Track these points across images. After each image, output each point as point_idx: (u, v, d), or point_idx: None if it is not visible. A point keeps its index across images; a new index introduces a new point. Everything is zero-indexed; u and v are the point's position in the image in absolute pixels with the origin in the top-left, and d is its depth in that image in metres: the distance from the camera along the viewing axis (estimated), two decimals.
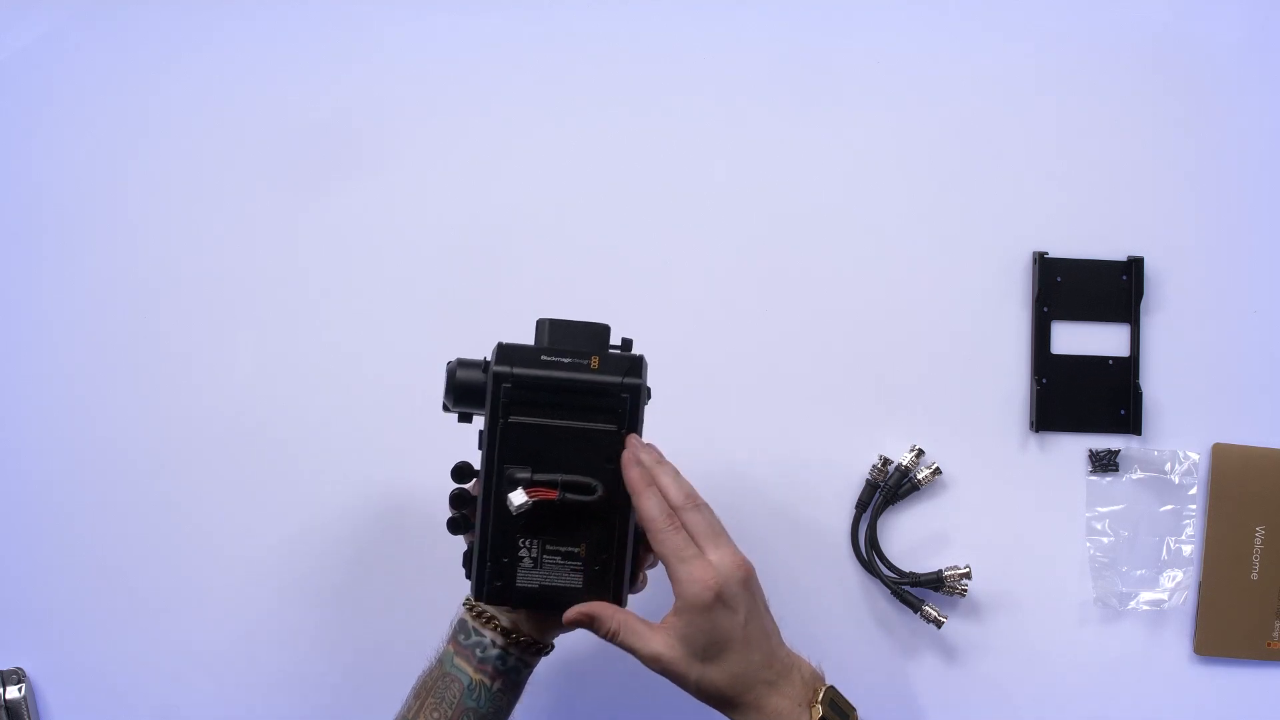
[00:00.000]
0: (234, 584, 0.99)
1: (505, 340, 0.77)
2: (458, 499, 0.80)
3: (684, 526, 0.73)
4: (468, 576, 0.78)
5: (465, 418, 0.80)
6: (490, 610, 0.81)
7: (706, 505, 0.76)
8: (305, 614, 0.99)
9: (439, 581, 0.97)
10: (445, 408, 0.80)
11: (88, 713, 0.99)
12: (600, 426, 0.76)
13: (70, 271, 1.01)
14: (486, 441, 0.76)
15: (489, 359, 0.76)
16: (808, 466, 0.98)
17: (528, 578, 0.76)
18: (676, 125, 1.01)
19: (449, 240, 1.01)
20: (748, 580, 0.73)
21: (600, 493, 0.75)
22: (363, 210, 1.01)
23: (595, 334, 0.78)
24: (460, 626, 0.82)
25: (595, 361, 0.76)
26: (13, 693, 0.97)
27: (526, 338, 0.80)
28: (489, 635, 0.80)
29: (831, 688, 0.74)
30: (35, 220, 1.02)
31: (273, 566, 0.99)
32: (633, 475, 0.75)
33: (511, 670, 0.81)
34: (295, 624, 0.99)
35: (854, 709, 0.75)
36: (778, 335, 1.00)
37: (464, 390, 0.77)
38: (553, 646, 0.83)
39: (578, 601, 0.76)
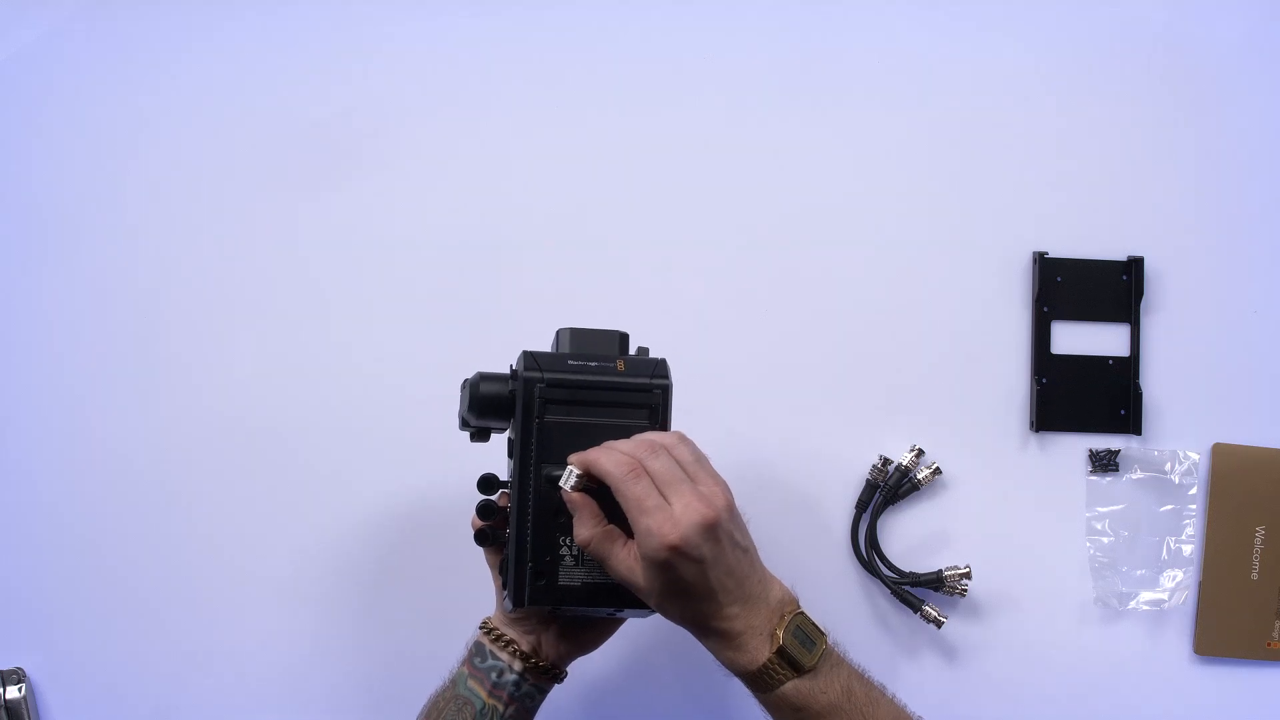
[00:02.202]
0: (234, 584, 0.99)
1: (527, 349, 0.77)
2: (485, 510, 0.79)
3: (647, 474, 0.69)
4: (505, 586, 0.77)
5: (482, 435, 0.80)
6: (509, 634, 0.80)
7: (679, 442, 0.72)
8: (305, 615, 0.99)
9: (437, 582, 0.97)
10: (464, 424, 0.80)
11: (88, 713, 0.99)
12: (635, 423, 0.76)
13: (71, 272, 1.01)
14: (520, 444, 0.76)
15: (515, 367, 0.77)
16: (808, 466, 0.98)
17: (570, 575, 0.75)
18: (677, 127, 1.01)
19: (452, 242, 1.01)
20: (712, 527, 0.68)
21: None
22: (367, 212, 1.01)
23: (614, 340, 0.80)
24: (476, 649, 0.81)
25: (621, 365, 0.77)
26: (13, 693, 0.97)
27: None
28: (505, 659, 0.80)
29: (800, 614, 0.71)
30: (35, 221, 1.02)
31: (272, 567, 0.99)
32: (577, 456, 0.72)
33: (525, 696, 0.80)
34: (295, 625, 0.99)
35: (824, 634, 0.72)
36: (778, 335, 1.00)
37: (488, 404, 0.77)
38: (566, 674, 0.82)
39: (620, 596, 0.74)
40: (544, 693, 0.82)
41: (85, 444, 1.00)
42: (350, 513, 0.99)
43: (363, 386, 1.00)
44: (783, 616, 0.71)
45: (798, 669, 0.70)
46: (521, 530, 0.75)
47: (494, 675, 0.79)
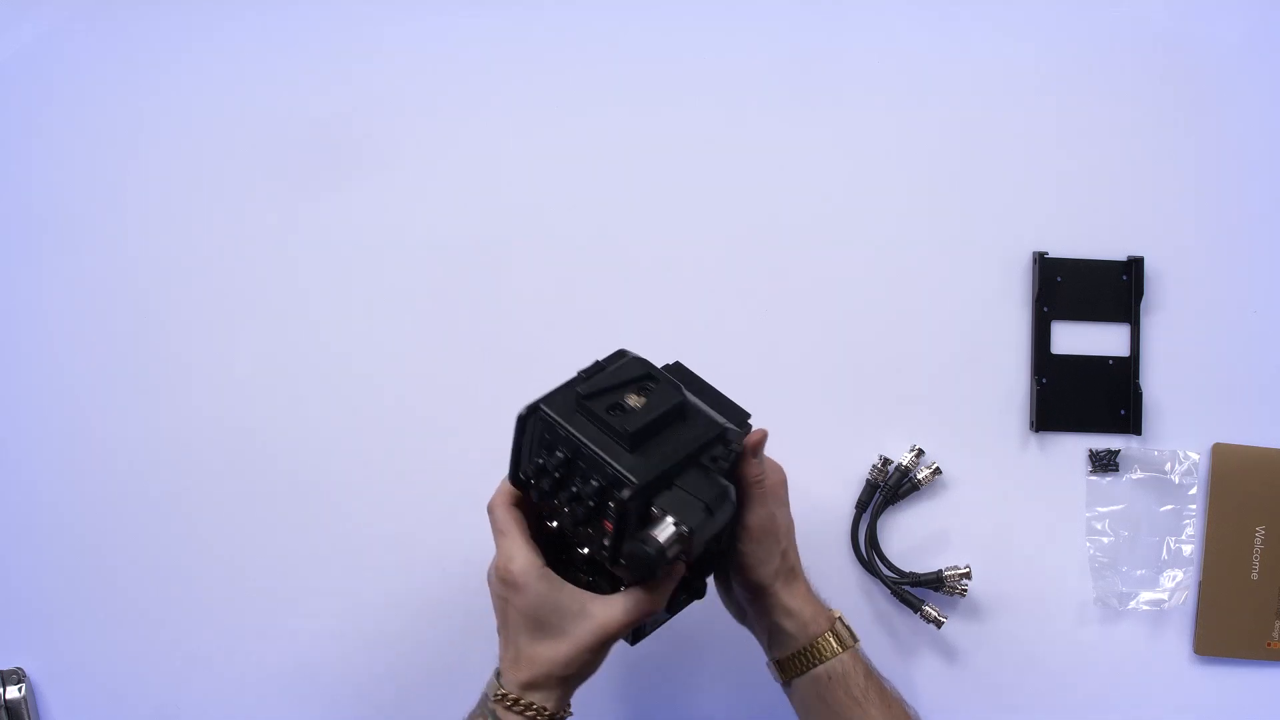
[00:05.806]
0: (234, 585, 0.99)
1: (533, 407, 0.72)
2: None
3: None
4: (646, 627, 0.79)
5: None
6: (534, 699, 0.72)
7: None
8: (305, 615, 0.99)
9: (438, 583, 0.97)
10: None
11: (88, 713, 0.99)
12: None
13: (71, 272, 1.01)
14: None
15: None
16: (808, 466, 0.98)
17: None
18: (677, 127, 1.01)
19: (453, 242, 1.01)
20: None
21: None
22: (368, 212, 1.01)
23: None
24: None
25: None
26: (13, 693, 0.97)
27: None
28: None
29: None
30: (35, 221, 1.02)
31: (272, 567, 0.99)
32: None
33: None
34: (295, 625, 0.99)
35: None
36: (778, 334, 1.00)
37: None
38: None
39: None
40: None
41: (85, 444, 1.00)
42: (350, 513, 0.99)
43: (364, 387, 1.00)
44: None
45: (854, 639, 0.78)
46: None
47: None
